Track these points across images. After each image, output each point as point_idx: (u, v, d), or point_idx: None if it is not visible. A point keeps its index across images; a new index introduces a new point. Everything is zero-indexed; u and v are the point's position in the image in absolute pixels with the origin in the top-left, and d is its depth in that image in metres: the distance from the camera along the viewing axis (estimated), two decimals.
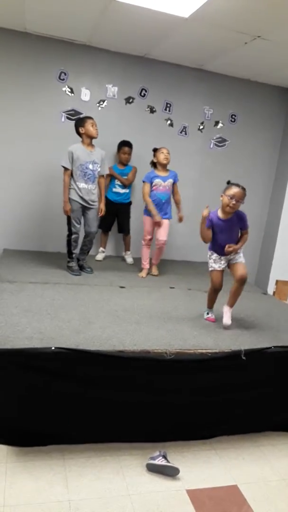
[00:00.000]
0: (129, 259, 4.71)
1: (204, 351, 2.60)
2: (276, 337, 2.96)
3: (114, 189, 4.56)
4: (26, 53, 4.23)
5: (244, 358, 2.62)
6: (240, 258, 3.11)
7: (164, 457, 2.43)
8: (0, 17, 3.86)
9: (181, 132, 4.87)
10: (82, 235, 4.08)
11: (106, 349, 2.45)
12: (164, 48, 4.16)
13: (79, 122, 3.88)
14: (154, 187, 4.14)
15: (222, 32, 3.52)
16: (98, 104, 4.55)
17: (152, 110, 4.74)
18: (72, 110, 4.49)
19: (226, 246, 3.00)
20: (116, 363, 2.44)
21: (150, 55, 4.46)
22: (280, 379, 2.80)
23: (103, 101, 4.57)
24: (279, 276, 5.24)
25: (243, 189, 2.95)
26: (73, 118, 4.48)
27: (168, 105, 4.77)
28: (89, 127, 3.82)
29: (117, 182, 4.54)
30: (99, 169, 3.94)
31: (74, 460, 2.41)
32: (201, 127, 4.93)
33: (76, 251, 4.05)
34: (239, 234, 3.12)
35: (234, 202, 2.91)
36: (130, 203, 4.67)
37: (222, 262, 3.12)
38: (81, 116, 3.93)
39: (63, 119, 4.48)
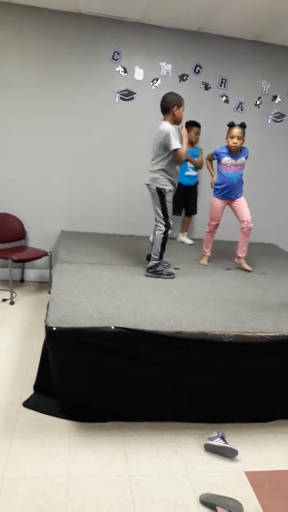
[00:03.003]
0: (188, 240, 4.63)
1: (263, 334, 2.54)
2: None
3: (187, 172, 4.48)
4: (80, 34, 4.23)
5: None
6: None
7: (222, 438, 2.43)
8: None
9: (237, 108, 4.71)
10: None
11: (163, 330, 2.46)
12: (219, 20, 4.01)
13: (177, 100, 3.30)
14: (223, 166, 3.73)
15: (280, 0, 3.32)
16: (151, 83, 4.49)
17: (207, 87, 4.61)
18: (126, 90, 4.46)
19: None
20: (174, 344, 2.45)
21: (204, 29, 4.31)
22: None
23: (157, 79, 4.50)
24: None
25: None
26: (126, 98, 4.46)
27: (223, 81, 4.62)
28: (182, 112, 3.35)
29: (189, 165, 4.45)
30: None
31: (133, 437, 2.47)
32: (258, 102, 4.75)
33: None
34: None
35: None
36: (197, 182, 4.62)
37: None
38: (175, 93, 3.34)
39: (117, 100, 4.46)
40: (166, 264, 3.59)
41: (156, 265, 3.45)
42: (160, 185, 3.34)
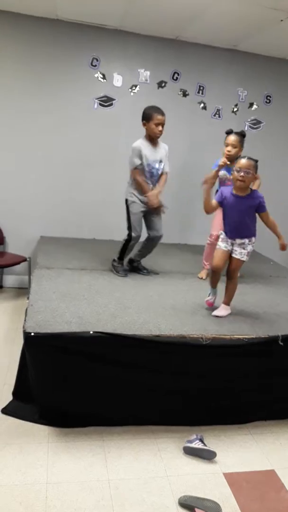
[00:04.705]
0: None
1: (240, 336, 2.59)
2: None
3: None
4: (58, 40, 4.25)
5: (281, 343, 2.59)
6: (237, 253, 2.89)
7: (201, 440, 2.46)
8: (32, 5, 3.88)
9: (214, 115, 4.79)
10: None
11: (142, 334, 2.48)
12: (196, 29, 4.08)
13: (146, 114, 3.36)
14: (219, 180, 3.57)
15: (256, 9, 3.41)
16: (130, 90, 4.53)
17: (185, 94, 4.67)
18: (105, 96, 4.49)
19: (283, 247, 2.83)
20: (152, 347, 2.47)
21: (182, 37, 4.38)
22: None
23: (136, 86, 4.54)
24: None
25: (250, 158, 2.75)
26: (105, 104, 4.49)
27: (201, 88, 4.69)
28: (153, 126, 3.33)
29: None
30: (162, 167, 3.52)
31: (113, 441, 2.47)
32: (235, 109, 4.83)
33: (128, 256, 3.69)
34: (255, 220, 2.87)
35: (242, 174, 2.70)
36: None
37: (229, 242, 2.91)
38: (151, 106, 3.39)
39: (95, 106, 4.49)
40: (120, 265, 3.64)
41: (114, 260, 3.66)
42: (126, 195, 3.51)
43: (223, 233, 2.95)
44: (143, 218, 3.58)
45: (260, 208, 2.82)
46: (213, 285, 3.02)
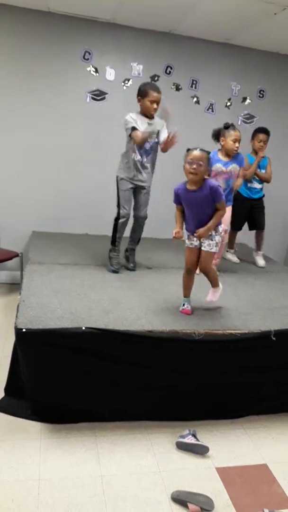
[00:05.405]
0: (261, 262, 4.18)
1: (233, 331, 2.58)
2: None
3: (249, 184, 4.09)
4: (50, 33, 4.20)
5: (273, 338, 2.60)
6: (205, 245, 2.75)
7: (194, 435, 2.46)
8: None
9: (207, 110, 4.77)
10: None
11: (135, 329, 2.47)
12: (189, 22, 4.05)
13: (141, 91, 3.29)
14: (213, 173, 3.43)
15: (250, 3, 3.39)
16: (123, 83, 4.50)
17: (177, 88, 4.65)
18: (97, 90, 4.45)
19: (196, 231, 2.69)
20: (145, 343, 2.46)
21: (175, 30, 4.35)
22: None
23: (128, 80, 4.50)
24: None
25: (202, 150, 2.61)
26: (98, 98, 4.45)
27: (194, 82, 4.67)
28: (147, 103, 3.27)
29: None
30: (158, 140, 3.38)
31: (106, 437, 2.46)
32: (229, 103, 4.82)
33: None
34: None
35: (194, 166, 2.57)
36: (263, 196, 4.20)
37: (195, 239, 2.78)
38: (147, 83, 3.40)
39: (88, 100, 4.45)
40: (115, 255, 3.56)
41: (110, 250, 3.59)
42: (117, 172, 3.51)
43: (188, 233, 2.82)
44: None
45: (216, 197, 2.65)
46: (186, 292, 2.90)
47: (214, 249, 2.79)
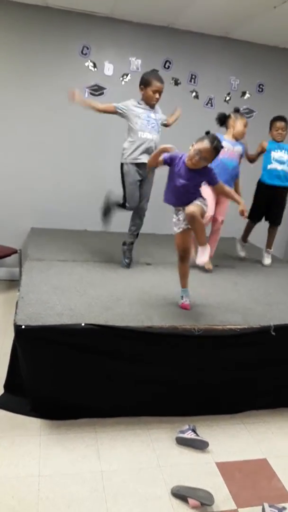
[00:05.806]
0: (267, 261, 4.04)
1: (232, 327, 2.58)
2: None
3: (269, 166, 3.89)
4: (48, 28, 4.17)
5: (273, 333, 2.60)
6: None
7: (193, 430, 2.46)
8: None
9: (207, 104, 4.75)
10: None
11: (134, 325, 2.47)
12: (188, 16, 4.02)
13: (144, 80, 3.30)
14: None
15: None
16: (121, 78, 4.47)
17: (176, 82, 4.62)
18: (96, 85, 4.43)
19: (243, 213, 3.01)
20: (144, 338, 2.46)
21: (174, 25, 4.32)
22: None
23: (127, 75, 4.48)
24: None
25: (215, 147, 2.51)
26: (96, 93, 4.43)
27: (193, 77, 4.64)
28: (150, 93, 3.27)
29: (275, 156, 3.85)
30: (159, 129, 3.39)
31: (105, 433, 2.47)
32: (228, 98, 4.79)
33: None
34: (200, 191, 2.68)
35: (197, 158, 2.51)
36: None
37: (181, 219, 2.68)
38: (151, 72, 3.38)
39: (86, 95, 4.42)
40: (127, 260, 3.56)
41: (124, 244, 3.58)
42: (121, 160, 3.39)
43: (174, 215, 2.75)
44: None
45: (211, 181, 2.67)
46: (183, 282, 2.85)
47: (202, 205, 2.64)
